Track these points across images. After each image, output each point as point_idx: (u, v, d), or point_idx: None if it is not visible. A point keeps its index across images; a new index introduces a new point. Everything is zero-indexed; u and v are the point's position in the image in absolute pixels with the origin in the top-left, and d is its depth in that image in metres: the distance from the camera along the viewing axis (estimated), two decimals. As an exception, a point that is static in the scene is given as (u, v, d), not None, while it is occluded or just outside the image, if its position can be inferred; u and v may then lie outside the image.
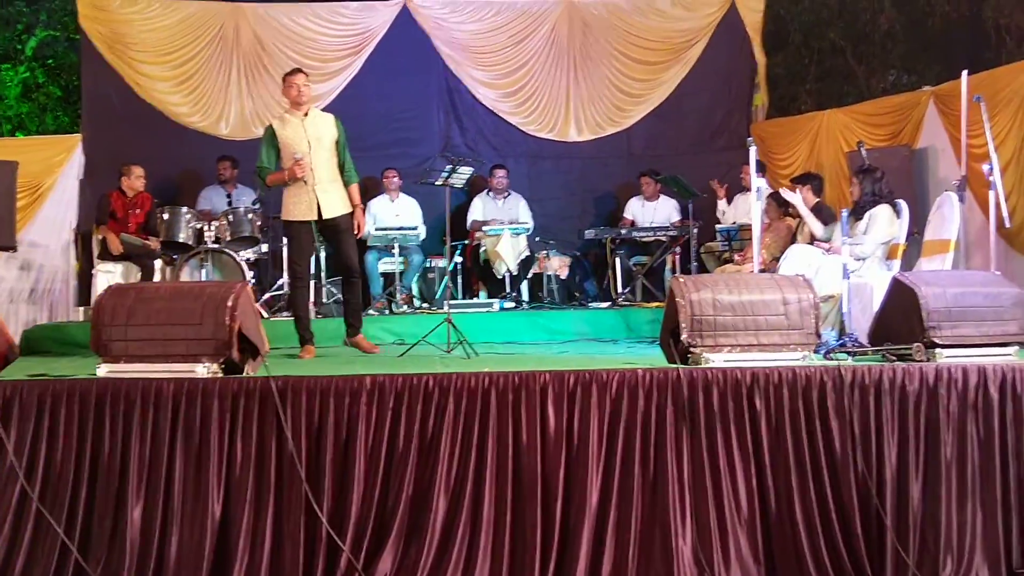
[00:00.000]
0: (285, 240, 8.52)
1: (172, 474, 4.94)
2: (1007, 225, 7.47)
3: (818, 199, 8.95)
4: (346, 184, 7.67)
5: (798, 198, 8.48)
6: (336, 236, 7.67)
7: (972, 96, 7.75)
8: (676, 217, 11.21)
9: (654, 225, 11.04)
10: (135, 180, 9.80)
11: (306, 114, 7.59)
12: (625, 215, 11.41)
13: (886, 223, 7.80)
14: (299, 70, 7.70)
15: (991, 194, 7.31)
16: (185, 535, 4.88)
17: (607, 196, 11.89)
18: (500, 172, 11.16)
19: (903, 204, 8.00)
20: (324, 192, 7.51)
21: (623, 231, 10.93)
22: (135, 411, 4.96)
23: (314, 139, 7.50)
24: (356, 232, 7.70)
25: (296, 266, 7.71)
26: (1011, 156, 8.00)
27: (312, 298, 9.74)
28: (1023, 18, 13.68)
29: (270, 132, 7.62)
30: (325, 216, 7.53)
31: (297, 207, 7.55)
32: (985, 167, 7.36)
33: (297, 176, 7.42)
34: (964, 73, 7.99)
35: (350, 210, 7.64)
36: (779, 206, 9.65)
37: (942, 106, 8.96)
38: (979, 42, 14.60)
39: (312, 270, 9.85)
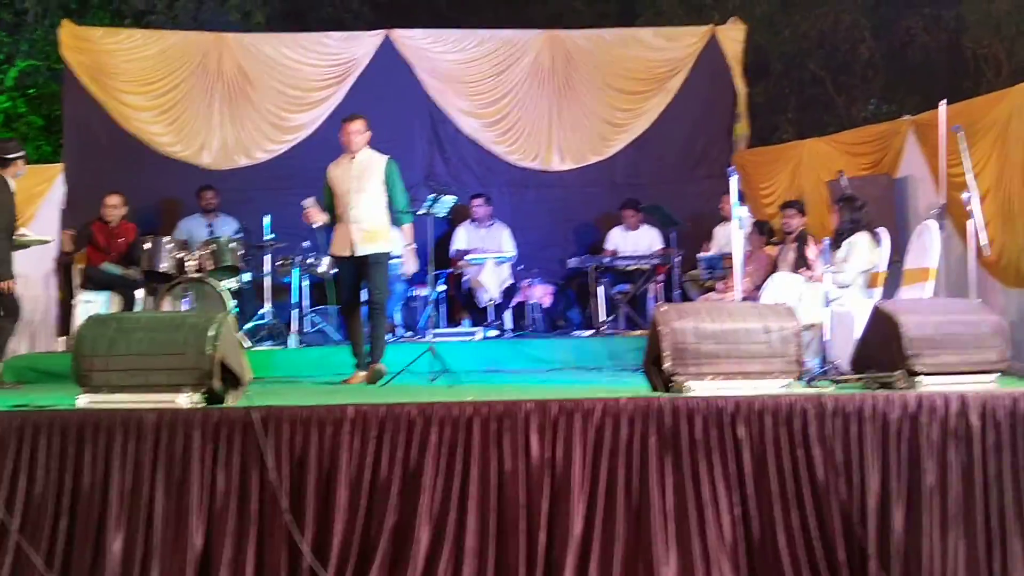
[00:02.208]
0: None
1: (153, 505, 4.90)
2: (986, 254, 7.52)
3: (803, 227, 9.04)
4: (396, 223, 8.00)
5: (814, 251, 8.38)
6: (367, 271, 7.89)
7: (951, 126, 7.82)
8: (659, 245, 11.23)
9: (636, 254, 11.07)
10: (109, 209, 9.75)
11: (354, 156, 7.91)
12: (607, 246, 11.42)
13: (866, 251, 7.85)
14: (357, 116, 8.04)
15: (970, 223, 7.36)
16: (166, 567, 4.83)
17: (590, 225, 11.92)
18: (477, 201, 11.17)
19: (883, 232, 8.05)
20: (360, 230, 7.80)
21: (606, 260, 10.95)
22: (116, 442, 4.93)
23: (355, 179, 7.85)
24: (405, 272, 8.23)
25: (342, 296, 8.12)
26: (990, 185, 8.06)
27: (296, 326, 9.75)
28: (1001, 48, 13.85)
29: (326, 175, 8.04)
30: (357, 253, 7.82)
31: (336, 243, 7.98)
32: (964, 196, 7.42)
33: (311, 221, 7.98)
34: (943, 103, 8.05)
35: (386, 249, 7.94)
36: (761, 235, 9.71)
37: (922, 135, 9.03)
38: (958, 72, 14.78)
39: (297, 299, 9.90)
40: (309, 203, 7.90)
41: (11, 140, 8.50)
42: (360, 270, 7.97)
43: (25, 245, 8.73)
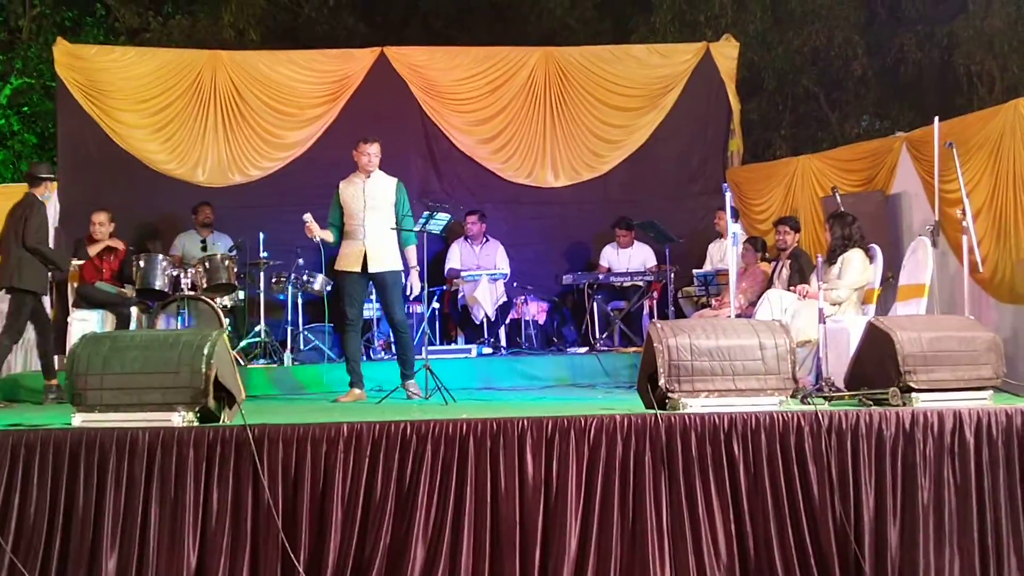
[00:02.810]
0: (334, 289, 8.95)
1: (147, 524, 4.90)
2: (980, 270, 7.53)
3: (797, 244, 9.06)
4: (402, 246, 8.15)
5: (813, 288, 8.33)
6: (382, 291, 8.09)
7: (944, 142, 7.84)
8: (652, 262, 11.24)
9: (630, 271, 11.07)
10: (96, 227, 9.71)
11: (369, 176, 8.05)
12: (600, 263, 11.42)
13: (859, 267, 7.86)
14: (375, 140, 8.13)
15: (964, 239, 7.38)
16: (160, 586, 4.84)
17: (585, 242, 11.91)
18: (471, 218, 11.17)
19: (876, 249, 8.06)
20: (373, 248, 7.95)
21: (600, 276, 10.95)
22: (110, 461, 4.93)
23: (370, 199, 7.98)
24: (408, 292, 8.33)
25: (345, 312, 8.07)
26: (983, 201, 8.07)
27: (290, 344, 9.73)
28: (994, 65, 13.89)
29: (336, 192, 8.13)
30: (370, 270, 7.96)
31: (347, 258, 8.05)
32: (958, 212, 7.43)
33: (310, 235, 8.02)
34: (936, 119, 8.07)
35: (398, 268, 8.10)
36: (755, 251, 9.73)
37: (915, 152, 9.04)
38: (950, 88, 14.82)
39: (291, 316, 9.89)
40: (308, 218, 7.96)
41: (43, 163, 8.85)
42: (369, 287, 8.18)
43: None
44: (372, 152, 8.05)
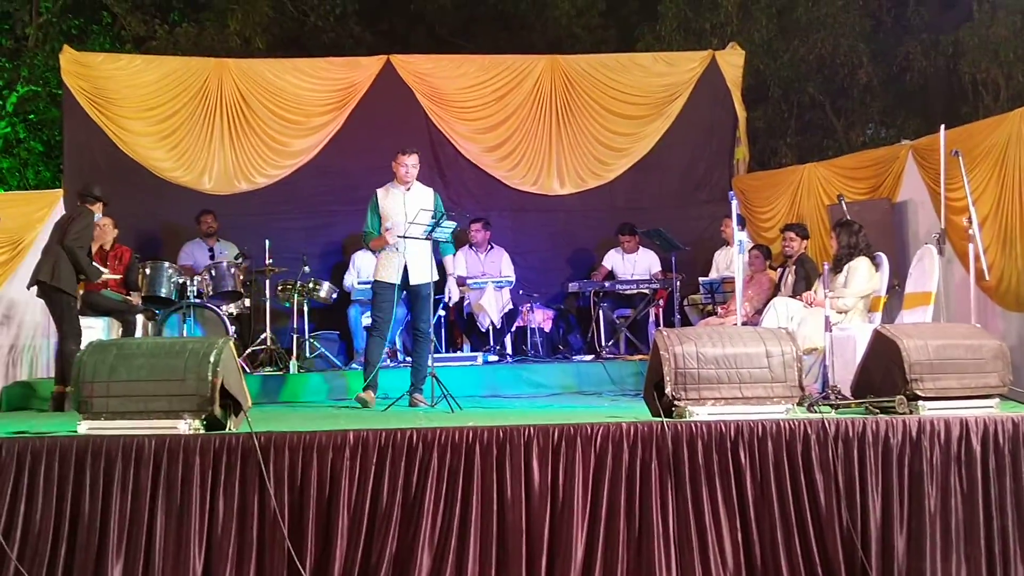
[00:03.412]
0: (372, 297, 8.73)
1: (153, 531, 4.90)
2: (986, 278, 7.52)
3: (804, 251, 9.06)
4: (443, 254, 8.35)
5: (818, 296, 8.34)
6: (416, 301, 8.15)
7: (950, 150, 7.83)
8: (656, 268, 11.24)
9: (635, 278, 11.06)
10: (104, 230, 9.72)
11: (408, 188, 8.14)
12: (604, 263, 11.39)
13: (865, 275, 7.85)
14: (414, 151, 8.21)
15: (970, 247, 7.37)
16: (166, 594, 4.83)
17: (591, 249, 11.90)
18: (476, 226, 11.15)
19: (883, 257, 8.05)
20: (413, 260, 8.02)
21: (607, 284, 10.94)
22: (116, 468, 4.93)
23: (411, 211, 7.94)
24: (448, 298, 8.64)
25: (377, 320, 8.15)
26: (989, 210, 8.07)
27: (296, 352, 9.73)
28: (999, 73, 13.89)
29: (375, 201, 8.20)
30: (411, 282, 8.06)
31: (386, 269, 8.09)
32: (964, 220, 7.42)
33: (388, 243, 7.99)
34: (942, 127, 8.07)
35: (433, 279, 8.14)
36: (762, 259, 9.72)
37: (921, 160, 9.04)
38: (956, 97, 14.83)
39: (297, 324, 9.89)
40: (390, 225, 8.00)
41: (97, 185, 9.00)
42: (408, 297, 8.18)
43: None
44: (411, 163, 8.11)
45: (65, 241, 8.37)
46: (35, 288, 8.51)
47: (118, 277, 9.54)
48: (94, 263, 8.85)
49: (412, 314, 8.38)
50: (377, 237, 8.13)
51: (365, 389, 7.96)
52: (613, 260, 11.42)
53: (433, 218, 7.89)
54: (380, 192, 8.20)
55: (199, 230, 10.82)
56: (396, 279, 8.03)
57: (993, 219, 8.05)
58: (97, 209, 8.81)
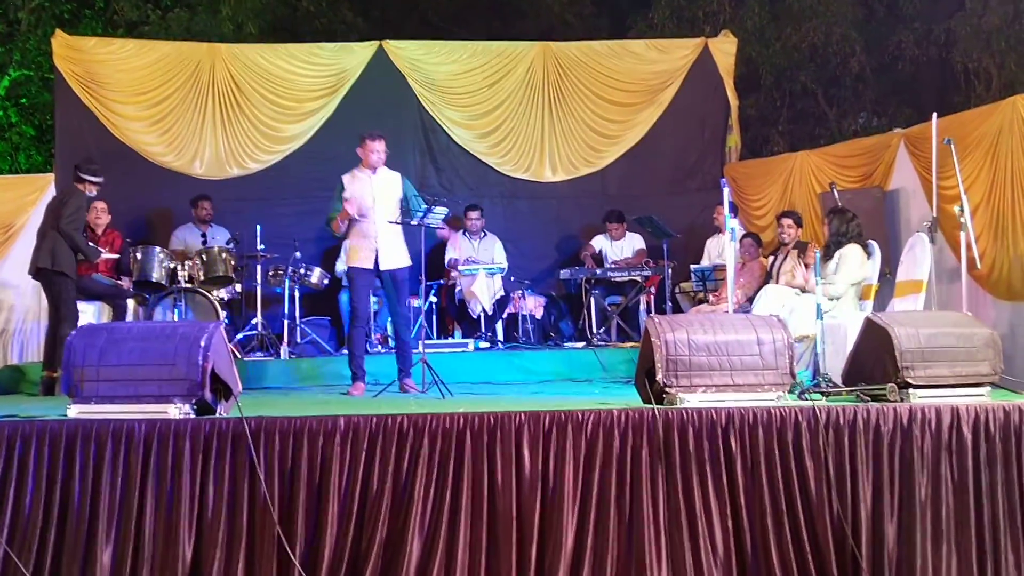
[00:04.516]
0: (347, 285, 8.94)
1: (143, 516, 4.88)
2: (978, 266, 7.53)
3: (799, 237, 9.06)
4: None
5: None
6: (392, 287, 8.11)
7: (942, 139, 7.83)
8: (640, 246, 11.24)
9: (622, 259, 11.07)
10: (100, 214, 9.69)
11: (375, 171, 8.07)
12: (591, 244, 11.36)
13: (857, 263, 7.86)
14: (381, 136, 8.12)
15: (962, 236, 7.38)
16: (156, 578, 4.83)
17: (582, 236, 11.90)
18: (473, 213, 11.15)
19: (875, 245, 8.06)
20: (384, 244, 7.98)
21: (598, 271, 10.93)
22: (106, 452, 4.91)
23: (379, 195, 7.99)
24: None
25: (355, 308, 8.10)
26: (981, 198, 8.07)
27: (287, 337, 9.72)
28: (991, 62, 13.90)
29: (340, 186, 8.08)
30: (382, 267, 8.00)
31: (358, 255, 8.05)
32: (956, 209, 7.43)
33: (349, 213, 7.88)
34: (934, 116, 8.07)
35: (407, 264, 8.13)
36: (755, 246, 9.72)
37: (913, 148, 9.04)
38: (948, 85, 14.84)
39: (288, 309, 9.87)
40: (349, 195, 7.90)
41: (93, 164, 8.92)
42: (383, 283, 8.15)
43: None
44: (379, 149, 8.06)
45: (60, 225, 8.36)
46: (32, 273, 8.49)
47: (116, 256, 9.53)
48: (90, 243, 8.84)
49: (389, 300, 8.35)
50: (337, 216, 7.99)
51: (354, 383, 7.95)
52: (602, 244, 11.41)
53: (415, 209, 7.92)
54: (346, 178, 8.13)
55: (195, 215, 10.78)
56: (370, 264, 8.00)
57: (985, 208, 8.06)
58: (90, 189, 8.76)
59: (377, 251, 7.96)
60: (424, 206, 8.02)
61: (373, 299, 10.12)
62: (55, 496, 4.91)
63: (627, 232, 11.40)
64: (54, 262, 8.33)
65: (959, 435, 5.26)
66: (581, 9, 17.23)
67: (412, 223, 8.01)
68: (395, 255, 8.04)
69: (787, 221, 9.17)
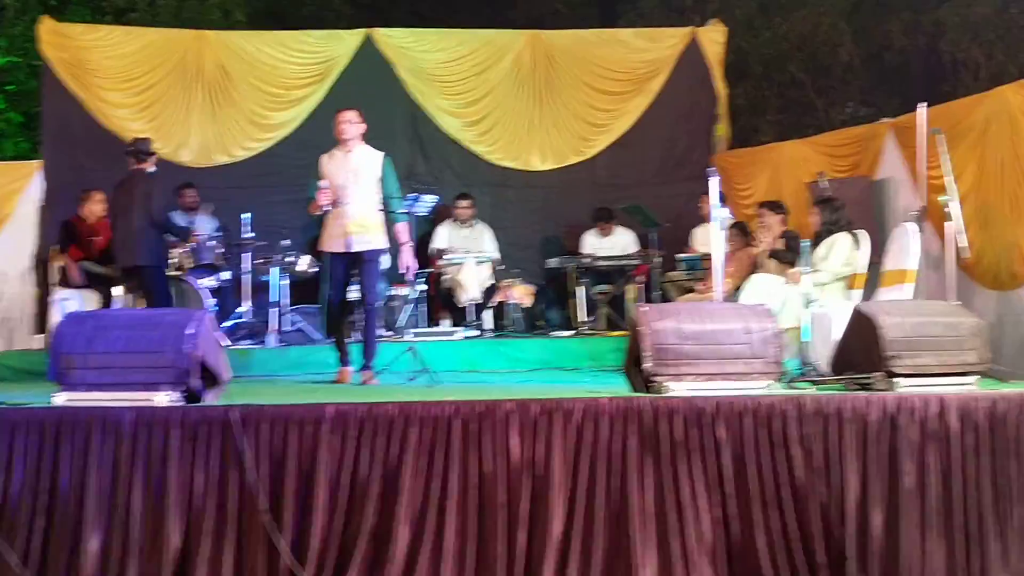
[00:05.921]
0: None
1: (130, 504, 4.87)
2: (965, 256, 7.55)
3: (784, 227, 9.02)
4: (393, 222, 7.89)
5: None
6: (361, 268, 7.74)
7: (930, 128, 7.84)
8: (633, 248, 11.23)
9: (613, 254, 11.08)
10: (95, 205, 9.67)
11: (350, 150, 7.74)
12: (582, 249, 11.34)
13: (845, 252, 7.87)
14: (349, 108, 7.85)
15: (949, 225, 7.39)
16: (143, 567, 4.81)
17: (571, 225, 11.90)
18: (463, 202, 11.15)
19: (863, 234, 8.07)
20: (356, 226, 7.60)
21: (586, 260, 10.94)
22: (93, 440, 4.90)
23: (352, 173, 7.66)
24: (405, 271, 7.96)
25: (328, 294, 7.78)
26: (969, 188, 8.08)
27: (275, 325, 9.70)
28: (979, 52, 13.93)
29: (317, 165, 7.80)
30: (353, 249, 7.62)
31: (330, 239, 7.71)
32: (943, 198, 7.45)
33: (321, 203, 7.55)
34: (922, 106, 8.08)
35: (382, 246, 7.82)
36: (743, 235, 9.72)
37: (901, 138, 9.05)
38: (936, 75, 14.85)
39: (276, 297, 9.85)
40: (324, 184, 7.58)
41: (146, 139, 9.03)
42: (352, 266, 7.78)
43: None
44: (345, 119, 7.72)
45: (155, 217, 8.49)
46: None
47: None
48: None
49: (361, 284, 7.90)
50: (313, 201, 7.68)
51: (340, 368, 7.87)
52: (591, 243, 11.39)
53: (388, 191, 7.75)
54: (324, 158, 7.82)
55: (180, 203, 10.74)
56: (341, 247, 7.62)
57: (973, 197, 8.07)
58: (151, 166, 8.82)
59: (350, 233, 7.58)
60: (398, 188, 7.83)
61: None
62: (42, 483, 4.89)
63: (618, 227, 11.40)
64: (151, 258, 8.53)
65: (946, 424, 5.26)
66: (571, -1, 17.24)
67: (400, 212, 7.94)
68: (368, 237, 7.67)
69: (763, 211, 8.98)
